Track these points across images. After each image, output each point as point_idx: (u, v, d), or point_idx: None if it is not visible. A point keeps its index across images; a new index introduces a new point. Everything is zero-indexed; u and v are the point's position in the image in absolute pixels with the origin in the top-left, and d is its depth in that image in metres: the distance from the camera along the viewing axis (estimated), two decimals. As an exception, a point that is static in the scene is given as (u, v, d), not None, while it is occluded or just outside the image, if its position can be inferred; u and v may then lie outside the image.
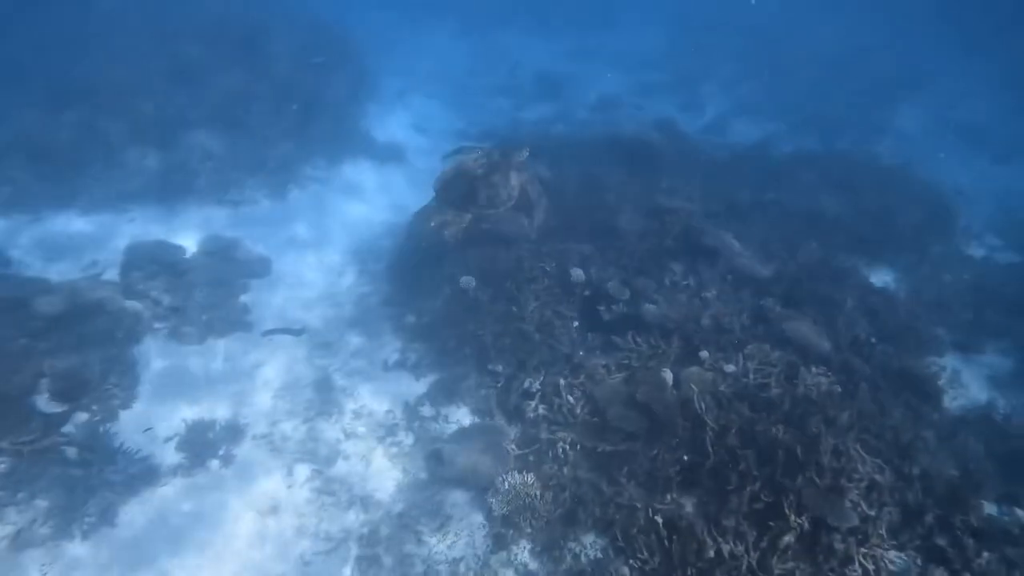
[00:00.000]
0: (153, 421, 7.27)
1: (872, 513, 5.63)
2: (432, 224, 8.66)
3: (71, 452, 6.49)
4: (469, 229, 8.63)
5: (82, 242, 9.74)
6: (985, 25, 20.53)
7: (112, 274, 8.99)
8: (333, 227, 11.34)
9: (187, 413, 7.44)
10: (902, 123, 16.78)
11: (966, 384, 7.93)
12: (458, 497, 6.75)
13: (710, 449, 6.26)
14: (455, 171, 8.74)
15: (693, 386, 6.65)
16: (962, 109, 17.35)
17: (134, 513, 6.35)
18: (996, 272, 9.97)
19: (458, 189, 8.52)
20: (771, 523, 5.68)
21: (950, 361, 8.21)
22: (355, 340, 8.82)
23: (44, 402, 6.68)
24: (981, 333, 8.61)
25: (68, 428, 6.76)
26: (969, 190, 12.40)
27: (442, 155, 9.47)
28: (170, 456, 6.94)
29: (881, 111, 16.80)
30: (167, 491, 6.62)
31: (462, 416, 7.70)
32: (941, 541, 5.69)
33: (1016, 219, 11.98)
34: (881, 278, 9.81)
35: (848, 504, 5.65)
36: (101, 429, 6.86)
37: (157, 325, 8.43)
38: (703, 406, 6.49)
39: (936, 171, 13.36)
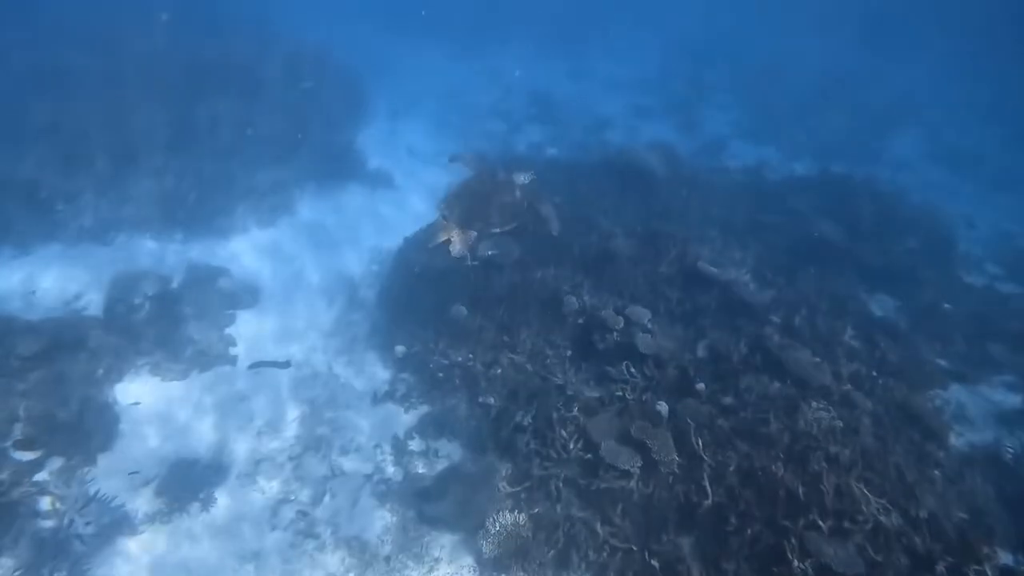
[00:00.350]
0: (133, 463, 7.01)
1: (879, 559, 5.38)
2: (437, 242, 8.48)
3: (43, 502, 6.23)
4: (472, 248, 8.41)
5: (67, 274, 9.51)
6: (981, 50, 20.60)
7: (96, 308, 8.80)
8: (322, 253, 11.17)
9: (168, 453, 7.20)
10: (899, 148, 16.70)
11: (972, 420, 7.67)
12: (447, 539, 6.50)
13: (708, 487, 6.04)
14: (461, 188, 8.59)
15: (689, 420, 6.44)
16: (960, 134, 17.29)
17: (109, 566, 6.06)
18: (998, 302, 9.76)
19: (464, 206, 8.34)
20: (773, 568, 5.45)
21: (955, 395, 7.97)
22: (343, 372, 8.61)
23: (16, 449, 6.43)
24: (985, 367, 8.37)
25: (41, 475, 6.51)
26: (969, 217, 12.27)
27: (449, 157, 9.26)
28: (148, 501, 6.66)
29: (878, 135, 16.73)
30: (144, 540, 6.33)
31: (452, 450, 7.46)
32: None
33: (1016, 247, 11.81)
34: (881, 305, 9.63)
35: (853, 548, 5.42)
36: (77, 474, 6.60)
37: (140, 361, 8.20)
38: (700, 442, 6.28)
39: (934, 197, 13.26)
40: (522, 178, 8.46)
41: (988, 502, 6.35)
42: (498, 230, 8.33)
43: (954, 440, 7.14)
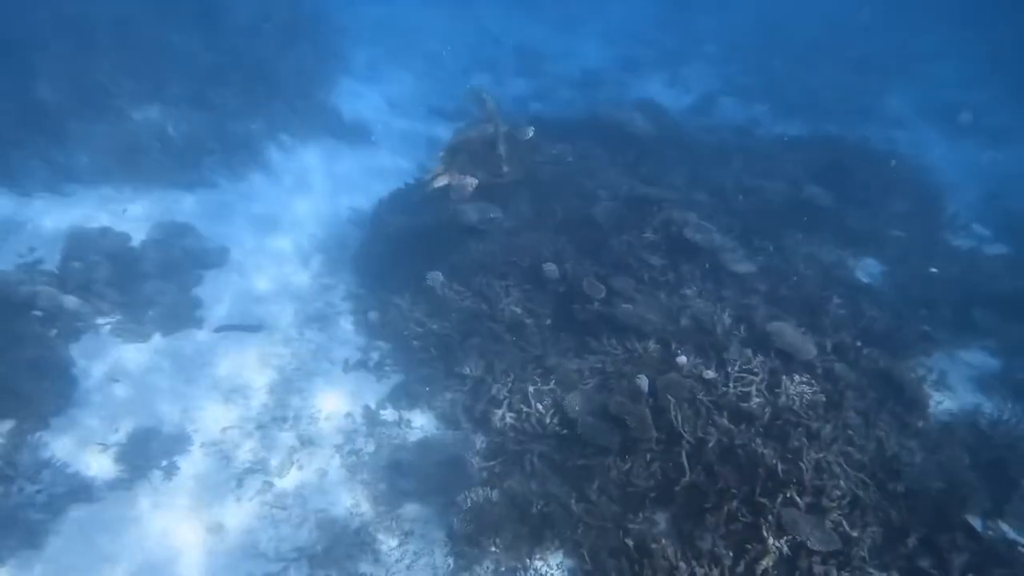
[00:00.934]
0: (90, 429, 6.71)
1: (855, 534, 5.31)
2: (434, 187, 8.13)
3: (-8, 467, 5.95)
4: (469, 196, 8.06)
5: (19, 227, 8.96)
6: (977, 6, 19.98)
7: (51, 264, 8.30)
8: (296, 212, 10.69)
9: (128, 420, 6.88)
10: (890, 106, 16.28)
11: (952, 386, 7.59)
12: (418, 512, 6.33)
13: (686, 464, 5.90)
14: (463, 136, 8.23)
15: (669, 396, 6.24)
16: (952, 92, 16.88)
17: (64, 534, 5.82)
18: (984, 265, 9.62)
19: (466, 154, 7.96)
20: (749, 545, 5.36)
21: (936, 362, 7.86)
22: (315, 337, 8.29)
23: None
24: (968, 332, 8.27)
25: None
26: (957, 177, 12.04)
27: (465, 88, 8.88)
28: (106, 468, 6.39)
29: (869, 93, 16.28)
30: (102, 508, 6.08)
31: (426, 422, 7.26)
32: (924, 563, 5.41)
33: (1005, 208, 11.63)
34: (867, 271, 9.46)
35: (830, 525, 5.34)
36: (29, 439, 6.29)
37: (99, 321, 7.81)
38: (680, 418, 6.11)
39: (926, 157, 12.99)
40: (525, 135, 8.16)
41: (963, 470, 6.29)
42: (498, 178, 8.01)
43: (933, 408, 7.06)
